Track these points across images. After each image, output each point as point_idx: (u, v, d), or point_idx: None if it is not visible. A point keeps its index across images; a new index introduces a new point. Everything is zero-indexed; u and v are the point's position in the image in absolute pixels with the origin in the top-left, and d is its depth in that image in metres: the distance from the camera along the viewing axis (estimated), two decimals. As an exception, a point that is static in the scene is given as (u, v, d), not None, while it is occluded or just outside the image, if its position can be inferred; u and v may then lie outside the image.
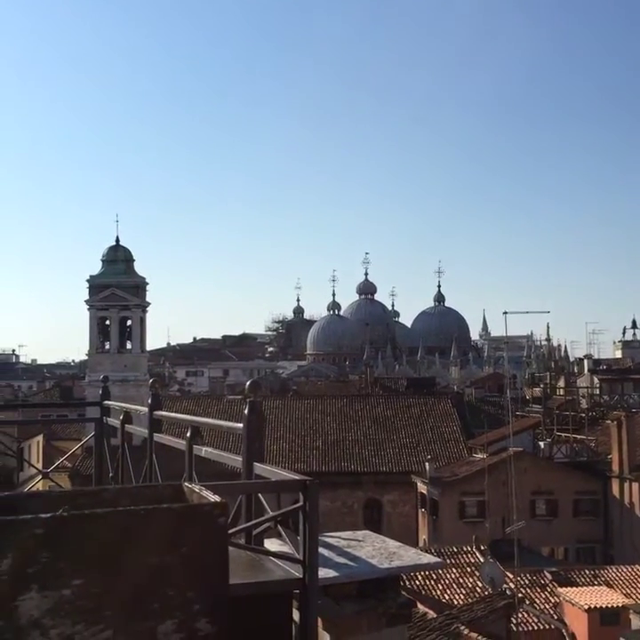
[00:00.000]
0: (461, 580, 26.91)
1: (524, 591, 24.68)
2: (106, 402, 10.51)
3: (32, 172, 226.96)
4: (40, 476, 13.44)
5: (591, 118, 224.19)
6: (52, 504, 3.03)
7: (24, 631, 2.70)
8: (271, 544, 4.88)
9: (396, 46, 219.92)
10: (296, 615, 4.22)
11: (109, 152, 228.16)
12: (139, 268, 51.49)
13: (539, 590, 26.56)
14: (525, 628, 22.95)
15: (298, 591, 4.18)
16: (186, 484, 3.38)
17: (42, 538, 2.74)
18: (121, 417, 9.19)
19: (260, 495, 4.87)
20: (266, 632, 3.95)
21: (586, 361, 76.08)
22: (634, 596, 25.44)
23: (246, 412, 5.27)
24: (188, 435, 6.23)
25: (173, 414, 8.96)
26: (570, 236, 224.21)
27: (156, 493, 3.35)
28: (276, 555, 4.40)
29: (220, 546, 2.97)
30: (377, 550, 5.22)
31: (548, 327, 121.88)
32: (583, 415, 47.71)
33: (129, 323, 50.00)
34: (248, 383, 5.65)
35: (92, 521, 2.83)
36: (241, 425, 5.34)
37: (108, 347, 49.81)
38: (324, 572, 4.39)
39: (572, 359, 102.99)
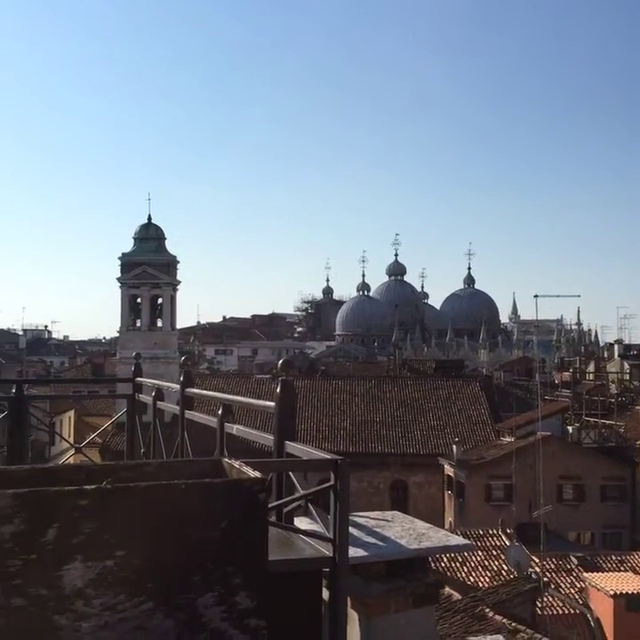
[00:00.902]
0: (487, 563, 26.93)
1: (549, 575, 24.65)
2: (138, 379, 10.59)
3: (65, 151, 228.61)
4: (72, 451, 13.60)
5: (622, 104, 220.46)
6: (95, 477, 3.10)
7: (68, 600, 2.77)
8: (300, 522, 4.90)
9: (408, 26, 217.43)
10: (325, 593, 4.26)
11: (142, 130, 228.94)
12: (170, 246, 51.78)
13: (564, 575, 26.51)
14: (550, 613, 22.92)
15: (328, 569, 4.21)
16: (225, 459, 3.43)
17: (86, 509, 2.80)
18: (153, 394, 9.27)
19: (291, 473, 4.90)
20: (296, 609, 3.99)
21: (616, 346, 75.22)
22: (661, 583, 25.28)
23: (278, 390, 5.29)
24: (220, 412, 6.28)
25: (205, 392, 9.02)
26: (602, 219, 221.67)
27: (195, 468, 3.40)
28: (307, 533, 4.43)
29: (260, 521, 3.01)
30: (406, 531, 5.23)
31: (578, 311, 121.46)
32: (612, 400, 47.35)
33: (160, 301, 50.29)
34: (280, 362, 5.67)
35: (134, 494, 2.88)
36: (273, 403, 5.36)
37: (138, 324, 50.18)
38: (353, 551, 4.40)
39: (602, 344, 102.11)
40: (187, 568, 2.91)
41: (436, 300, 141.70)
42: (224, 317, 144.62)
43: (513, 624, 16.32)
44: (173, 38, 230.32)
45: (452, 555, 25.29)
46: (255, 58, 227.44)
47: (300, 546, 4.37)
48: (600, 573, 25.42)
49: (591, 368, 69.92)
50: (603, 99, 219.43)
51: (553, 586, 24.39)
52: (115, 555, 2.81)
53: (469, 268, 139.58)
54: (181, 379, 7.89)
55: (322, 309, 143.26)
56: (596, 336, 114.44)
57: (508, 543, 27.41)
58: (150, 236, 50.65)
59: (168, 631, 2.88)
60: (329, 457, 4.35)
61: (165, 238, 51.34)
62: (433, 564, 23.52)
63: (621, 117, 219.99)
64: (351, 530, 4.47)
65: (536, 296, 40.73)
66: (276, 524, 4.49)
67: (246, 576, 2.90)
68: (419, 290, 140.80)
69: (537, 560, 24.13)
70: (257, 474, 3.12)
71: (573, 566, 26.96)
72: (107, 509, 2.82)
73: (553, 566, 26.39)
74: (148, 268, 49.26)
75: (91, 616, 2.79)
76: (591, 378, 64.78)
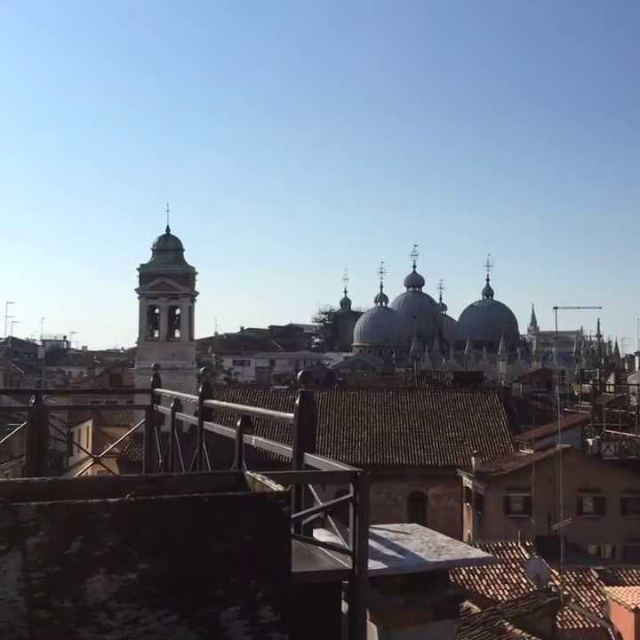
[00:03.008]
0: (506, 576, 26.73)
1: (569, 589, 24.43)
2: (157, 389, 10.62)
3: (83, 160, 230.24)
4: (90, 461, 13.64)
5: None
6: (118, 489, 3.11)
7: (91, 613, 2.77)
8: (319, 534, 4.89)
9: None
10: (344, 606, 4.24)
11: (161, 142, 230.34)
12: (188, 257, 51.92)
13: (585, 588, 26.26)
14: (571, 627, 22.73)
15: (347, 582, 4.20)
16: (248, 472, 3.43)
17: (110, 522, 2.80)
18: (171, 405, 9.30)
19: (310, 485, 4.89)
20: (314, 622, 3.98)
21: (637, 357, 74.57)
22: (683, 598, 24.98)
23: (298, 402, 5.29)
24: (239, 424, 6.28)
25: (224, 403, 9.03)
26: (622, 229, 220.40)
27: (218, 481, 3.41)
28: (326, 545, 4.43)
29: (283, 534, 3.01)
30: (425, 543, 5.20)
31: (598, 323, 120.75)
32: (633, 413, 46.96)
33: (178, 311, 50.47)
34: (300, 373, 5.67)
35: (158, 507, 2.89)
36: (292, 415, 5.36)
37: (156, 335, 50.33)
38: (372, 564, 4.39)
39: (622, 355, 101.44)
40: (210, 581, 2.91)
41: (454, 312, 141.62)
42: (242, 328, 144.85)
43: (532, 638, 16.20)
44: (208, 55, 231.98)
45: (471, 568, 25.11)
46: (278, 73, 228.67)
47: (320, 558, 4.36)
48: (621, 587, 25.15)
49: (611, 380, 69.38)
50: (625, 104, 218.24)
51: (573, 599, 24.16)
52: (138, 568, 2.82)
53: (488, 280, 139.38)
54: (200, 390, 7.92)
55: (339, 320, 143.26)
56: (617, 348, 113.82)
57: (527, 556, 27.21)
58: (168, 247, 50.88)
59: (191, 645, 2.86)
60: (349, 469, 4.34)
61: (183, 249, 51.58)
62: (451, 577, 23.41)
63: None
64: (370, 542, 4.45)
65: (556, 308, 40.55)
66: (295, 536, 4.49)
67: (270, 590, 2.90)
68: (437, 301, 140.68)
69: (557, 573, 23.94)
70: (280, 487, 3.12)
71: (594, 580, 26.70)
72: (130, 522, 2.82)
73: (573, 580, 26.15)
74: (167, 279, 49.49)
75: (114, 629, 2.79)
76: (611, 390, 64.28)
